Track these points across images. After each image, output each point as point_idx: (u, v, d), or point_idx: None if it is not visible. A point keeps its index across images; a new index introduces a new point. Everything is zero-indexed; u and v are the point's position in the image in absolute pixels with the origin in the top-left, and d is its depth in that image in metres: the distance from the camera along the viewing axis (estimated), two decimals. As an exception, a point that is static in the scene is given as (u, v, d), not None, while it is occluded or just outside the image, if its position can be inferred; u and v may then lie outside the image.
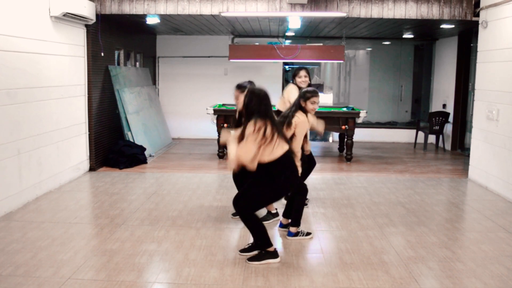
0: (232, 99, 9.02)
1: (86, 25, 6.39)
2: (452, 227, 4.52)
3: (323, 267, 3.54)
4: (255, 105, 3.37)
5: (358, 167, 7.29)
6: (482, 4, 6.24)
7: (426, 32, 9.04)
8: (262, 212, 4.50)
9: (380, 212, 4.94)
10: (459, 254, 3.82)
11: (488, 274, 3.45)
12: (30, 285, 3.11)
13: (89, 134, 6.58)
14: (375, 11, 6.44)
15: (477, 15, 6.35)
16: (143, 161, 7.14)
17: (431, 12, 6.42)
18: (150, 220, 4.56)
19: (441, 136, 9.12)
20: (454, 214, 5.03)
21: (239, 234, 4.20)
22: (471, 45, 8.40)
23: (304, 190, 4.15)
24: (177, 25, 7.99)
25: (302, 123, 3.96)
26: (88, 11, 6.08)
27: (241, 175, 4.16)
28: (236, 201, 3.62)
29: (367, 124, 9.90)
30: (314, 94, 4.05)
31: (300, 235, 4.11)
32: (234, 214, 4.62)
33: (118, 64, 7.97)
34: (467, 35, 8.51)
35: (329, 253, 3.80)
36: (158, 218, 4.59)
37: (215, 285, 3.20)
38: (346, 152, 7.70)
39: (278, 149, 3.41)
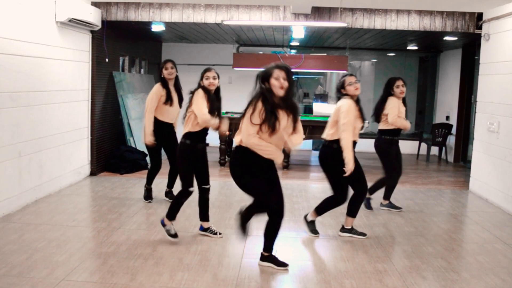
0: (235, 107, 9.10)
1: (92, 31, 6.48)
2: (449, 238, 4.50)
3: (316, 274, 3.54)
4: None
5: (359, 177, 7.26)
6: (484, 17, 6.27)
7: (430, 44, 9.07)
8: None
9: (378, 221, 4.93)
10: (454, 265, 3.80)
11: (482, 284, 3.43)
12: (23, 285, 3.13)
13: (91, 139, 6.65)
14: (378, 22, 6.48)
15: (480, 27, 6.37)
16: (144, 166, 7.17)
17: (433, 24, 6.45)
18: (147, 224, 4.58)
19: (444, 148, 9.09)
20: (452, 225, 5.01)
21: (234, 240, 4.21)
22: (475, 57, 8.41)
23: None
24: (182, 32, 8.08)
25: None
26: (94, 17, 6.18)
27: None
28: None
29: (370, 135, 9.88)
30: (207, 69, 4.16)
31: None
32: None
33: (123, 70, 8.06)
34: (471, 48, 8.52)
35: (324, 261, 3.80)
36: (155, 223, 4.61)
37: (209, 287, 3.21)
38: (347, 162, 7.67)
39: None
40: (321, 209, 4.42)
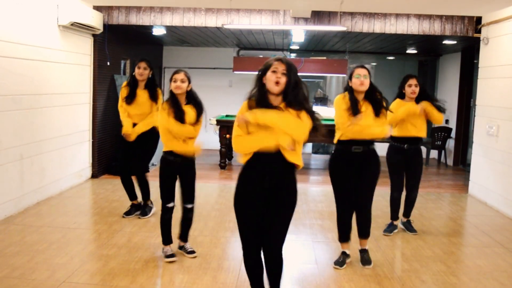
0: (236, 110, 9.15)
1: (93, 35, 6.52)
2: (449, 241, 4.52)
3: (315, 277, 3.56)
4: None
5: (359, 180, 7.30)
6: (483, 21, 6.30)
7: (430, 48, 9.10)
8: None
9: (377, 225, 4.94)
10: (453, 268, 3.82)
11: (481, 288, 3.45)
12: (25, 287, 3.16)
13: (92, 142, 6.68)
14: (378, 26, 6.52)
15: (479, 31, 6.41)
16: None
17: (433, 28, 6.49)
18: (148, 227, 4.60)
19: (443, 152, 9.12)
20: (451, 228, 5.02)
21: (235, 243, 4.24)
22: (475, 61, 8.44)
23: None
24: (183, 36, 8.12)
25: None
26: (96, 21, 6.22)
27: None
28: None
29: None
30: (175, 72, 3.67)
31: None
32: None
33: (124, 73, 8.09)
34: (470, 51, 8.55)
35: (323, 264, 3.82)
36: (156, 226, 4.61)
37: (207, 292, 3.24)
38: (347, 165, 7.70)
39: None
40: (345, 236, 3.82)
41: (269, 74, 2.56)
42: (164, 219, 3.78)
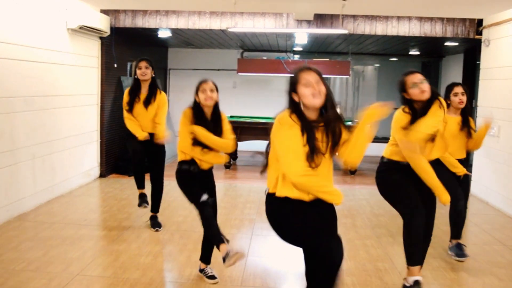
0: (239, 111, 9.28)
1: (101, 37, 6.67)
2: (449, 239, 4.61)
3: (319, 272, 3.67)
4: None
5: (362, 180, 7.43)
6: (484, 23, 6.41)
7: (432, 49, 9.20)
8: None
9: (379, 223, 5.07)
10: (452, 264, 3.93)
11: (480, 284, 3.56)
12: (41, 279, 3.30)
13: (100, 142, 6.83)
14: (379, 28, 6.64)
15: (480, 33, 6.52)
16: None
17: (434, 30, 6.60)
18: (156, 224, 4.74)
19: (445, 152, 9.20)
20: (452, 226, 5.13)
21: (240, 240, 4.36)
22: (477, 62, 8.53)
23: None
24: (188, 38, 8.26)
25: None
26: (103, 24, 6.37)
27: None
28: None
29: (373, 139, 10.01)
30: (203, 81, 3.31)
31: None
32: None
33: (130, 75, 8.23)
34: (473, 53, 8.64)
35: (326, 260, 3.93)
36: (163, 223, 4.76)
37: (214, 285, 3.36)
38: (350, 165, 7.83)
39: None
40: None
41: (302, 89, 2.23)
42: (205, 217, 3.16)
